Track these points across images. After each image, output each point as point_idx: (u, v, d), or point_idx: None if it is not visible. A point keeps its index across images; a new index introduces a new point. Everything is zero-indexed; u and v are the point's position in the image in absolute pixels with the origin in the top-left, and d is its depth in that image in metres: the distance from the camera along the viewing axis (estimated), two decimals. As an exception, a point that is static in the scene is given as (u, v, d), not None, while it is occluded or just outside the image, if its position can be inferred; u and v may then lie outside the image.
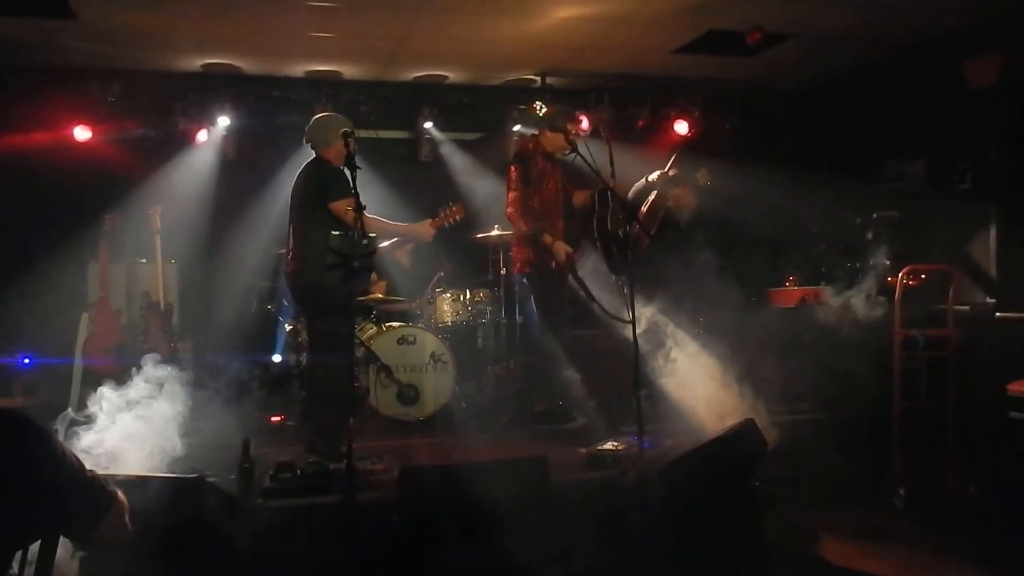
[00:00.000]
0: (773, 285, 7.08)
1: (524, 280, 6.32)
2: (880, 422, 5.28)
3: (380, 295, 7.00)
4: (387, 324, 6.61)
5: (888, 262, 6.44)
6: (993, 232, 6.27)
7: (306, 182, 5.17)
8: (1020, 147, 6.05)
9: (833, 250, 7.09)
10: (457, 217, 5.88)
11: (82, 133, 7.12)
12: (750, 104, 8.41)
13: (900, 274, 5.42)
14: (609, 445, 4.98)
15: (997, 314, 5.35)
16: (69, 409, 4.24)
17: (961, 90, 6.28)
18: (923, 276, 5.66)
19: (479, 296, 7.11)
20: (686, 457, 4.39)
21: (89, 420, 3.88)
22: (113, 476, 3.32)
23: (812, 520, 4.60)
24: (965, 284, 5.71)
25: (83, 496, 2.05)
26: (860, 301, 5.83)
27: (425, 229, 5.63)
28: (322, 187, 5.03)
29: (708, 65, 7.39)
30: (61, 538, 2.17)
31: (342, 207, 4.87)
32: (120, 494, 2.17)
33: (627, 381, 4.61)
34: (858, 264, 6.67)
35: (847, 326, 5.54)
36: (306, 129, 5.32)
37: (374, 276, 6.64)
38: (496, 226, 7.05)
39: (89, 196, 7.18)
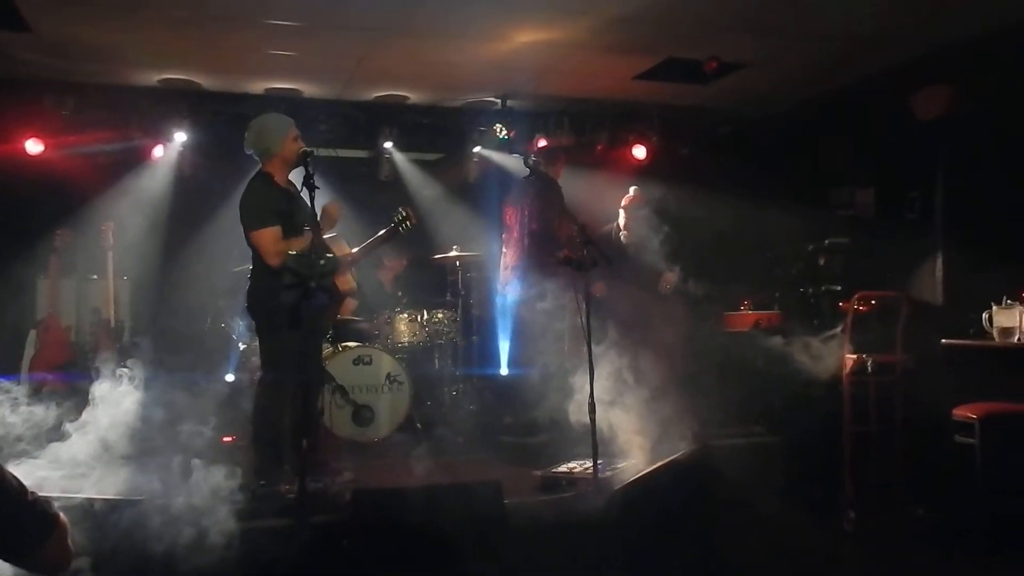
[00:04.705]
0: (727, 309, 7.17)
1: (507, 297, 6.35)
2: (831, 445, 5.36)
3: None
4: (343, 344, 6.56)
5: (839, 288, 6.58)
6: (940, 260, 6.44)
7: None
8: (967, 176, 6.23)
9: (786, 275, 7.22)
10: (408, 224, 5.44)
11: (34, 146, 6.96)
12: (706, 131, 8.56)
13: (851, 300, 5.52)
14: (564, 468, 4.99)
15: (943, 340, 5.46)
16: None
17: (910, 121, 6.45)
18: (873, 302, 5.77)
19: (437, 316, 7.10)
20: (640, 480, 4.40)
21: (35, 439, 3.80)
22: (57, 498, 3.26)
23: (764, 543, 4.63)
24: (913, 310, 5.82)
25: (24, 518, 2.00)
26: (812, 327, 5.92)
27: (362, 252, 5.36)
28: (242, 216, 4.67)
29: (666, 92, 7.50)
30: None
31: (264, 239, 4.52)
32: (63, 516, 2.13)
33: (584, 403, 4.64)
34: (810, 289, 6.81)
35: (799, 351, 5.62)
36: (246, 135, 4.78)
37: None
38: (455, 247, 7.05)
39: (40, 211, 7.04)
